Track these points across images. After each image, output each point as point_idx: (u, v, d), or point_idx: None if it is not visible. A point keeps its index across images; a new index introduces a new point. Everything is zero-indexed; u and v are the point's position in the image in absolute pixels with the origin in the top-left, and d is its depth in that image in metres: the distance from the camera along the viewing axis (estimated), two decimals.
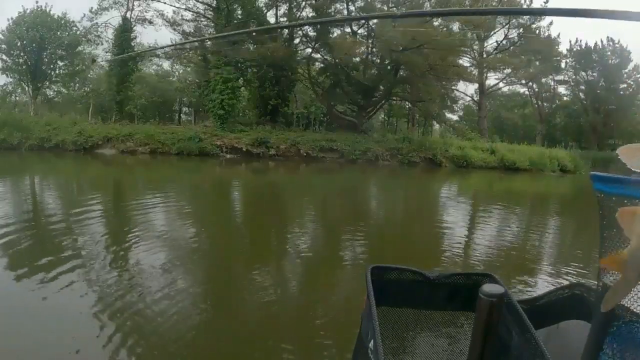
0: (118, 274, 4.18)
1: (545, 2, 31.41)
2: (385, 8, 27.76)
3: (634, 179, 1.08)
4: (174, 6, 26.94)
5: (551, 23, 32.48)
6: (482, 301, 0.96)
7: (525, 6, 31.78)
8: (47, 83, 29.50)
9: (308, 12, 27.93)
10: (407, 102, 32.73)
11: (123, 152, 20.19)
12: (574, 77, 36.82)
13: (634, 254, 0.50)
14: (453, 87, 29.75)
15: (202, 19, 27.41)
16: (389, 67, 28.24)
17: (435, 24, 26.62)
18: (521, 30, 31.79)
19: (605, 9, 0.83)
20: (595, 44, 35.39)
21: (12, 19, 26.22)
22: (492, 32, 32.18)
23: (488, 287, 0.98)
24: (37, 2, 26.74)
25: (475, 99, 35.47)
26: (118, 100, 25.76)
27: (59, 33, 27.42)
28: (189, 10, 26.94)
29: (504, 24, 32.25)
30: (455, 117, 36.88)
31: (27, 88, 28.51)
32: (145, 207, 8.20)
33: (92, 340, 2.82)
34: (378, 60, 28.99)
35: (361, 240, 6.64)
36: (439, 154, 23.76)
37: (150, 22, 26.84)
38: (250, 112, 30.15)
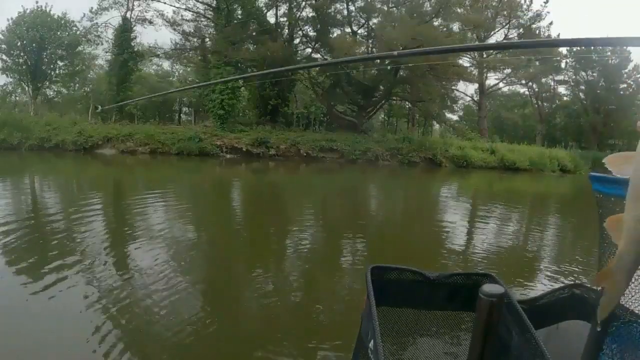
0: (118, 274, 4.18)
1: (545, 3, 31.50)
2: (385, 8, 27.81)
3: None
4: (174, 6, 26.98)
5: (551, 23, 32.58)
6: (482, 301, 0.96)
7: (525, 7, 31.91)
8: (47, 83, 29.51)
9: (308, 12, 27.96)
10: (407, 102, 32.76)
11: (123, 152, 20.20)
12: (574, 77, 36.84)
13: (620, 258, 0.52)
14: (453, 87, 29.80)
15: (202, 19, 27.43)
16: (389, 67, 28.24)
17: (435, 24, 26.67)
18: (521, 30, 31.81)
19: (604, 37, 0.84)
20: None
21: (12, 19, 26.24)
22: (492, 33, 32.21)
23: (488, 287, 0.98)
24: (37, 2, 26.78)
25: (475, 99, 35.50)
26: (118, 100, 25.74)
27: (59, 33, 27.42)
28: (189, 10, 26.98)
29: (504, 24, 32.29)
30: (455, 117, 36.90)
31: (27, 88, 28.52)
32: (145, 207, 8.21)
33: (92, 340, 2.82)
34: (378, 60, 28.98)
35: (361, 240, 6.64)
36: (439, 154, 23.76)
37: (150, 22, 26.89)
38: (250, 112, 30.16)
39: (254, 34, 26.54)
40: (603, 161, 0.53)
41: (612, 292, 0.57)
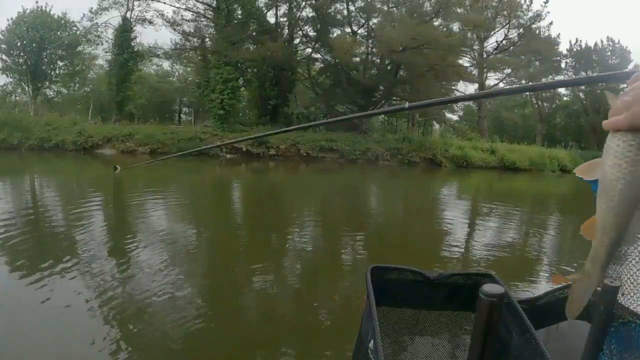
0: (118, 273, 4.18)
1: (545, 3, 31.52)
2: (385, 8, 27.82)
3: None
4: (174, 6, 27.02)
5: (551, 23, 32.68)
6: (482, 301, 0.96)
7: (525, 7, 31.92)
8: (47, 83, 29.53)
9: (308, 12, 27.99)
10: (407, 103, 32.76)
11: (123, 152, 20.20)
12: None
13: (595, 252, 0.57)
14: (453, 87, 29.80)
15: (202, 19, 27.46)
16: (389, 67, 28.26)
17: (435, 23, 26.68)
18: (521, 30, 31.82)
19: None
20: (595, 44, 35.46)
21: (12, 19, 26.26)
22: (492, 32, 32.22)
23: (488, 287, 0.98)
24: (37, 2, 26.81)
25: None
26: (118, 100, 25.78)
27: (59, 33, 27.45)
28: (189, 10, 27.01)
29: (503, 24, 32.30)
30: (455, 117, 36.94)
31: (27, 88, 28.55)
32: (145, 207, 8.21)
33: (91, 339, 2.82)
34: (378, 60, 29.02)
35: (361, 240, 6.64)
36: (439, 154, 23.77)
37: (150, 22, 26.92)
38: (250, 112, 30.21)
39: (254, 34, 26.56)
40: (573, 172, 0.57)
41: (587, 287, 0.60)
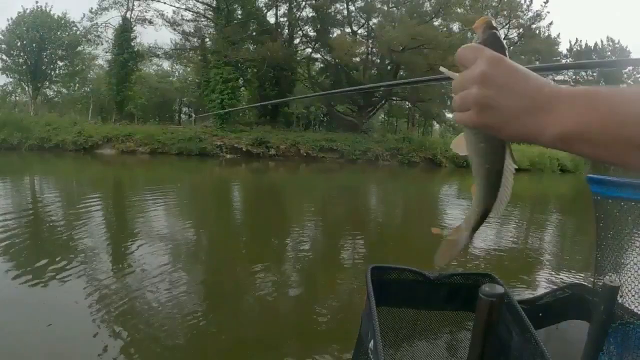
0: (118, 273, 4.18)
1: (545, 3, 31.53)
2: (385, 8, 27.83)
3: (629, 182, 1.09)
4: (174, 6, 27.03)
5: (551, 23, 32.68)
6: (482, 301, 0.96)
7: (525, 7, 31.90)
8: (47, 83, 29.53)
9: (308, 12, 28.01)
10: (407, 102, 32.77)
11: (123, 152, 20.20)
12: (574, 77, 36.83)
13: (469, 214, 0.61)
14: None
15: (202, 19, 27.47)
16: (389, 67, 28.27)
17: (435, 23, 26.70)
18: (521, 30, 31.80)
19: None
20: (595, 44, 35.51)
21: (12, 19, 26.28)
22: None
23: (488, 287, 0.98)
24: (37, 2, 26.82)
25: None
26: (118, 100, 25.79)
27: (59, 33, 27.46)
28: (189, 10, 27.03)
29: (504, 24, 32.27)
30: None
31: (27, 88, 28.56)
32: (144, 207, 8.21)
33: (90, 338, 2.82)
34: (378, 60, 29.03)
35: (361, 240, 6.64)
36: (439, 154, 23.79)
37: (150, 22, 26.95)
38: (250, 112, 30.18)
39: (254, 34, 26.58)
40: (451, 147, 0.57)
41: (457, 242, 0.66)
